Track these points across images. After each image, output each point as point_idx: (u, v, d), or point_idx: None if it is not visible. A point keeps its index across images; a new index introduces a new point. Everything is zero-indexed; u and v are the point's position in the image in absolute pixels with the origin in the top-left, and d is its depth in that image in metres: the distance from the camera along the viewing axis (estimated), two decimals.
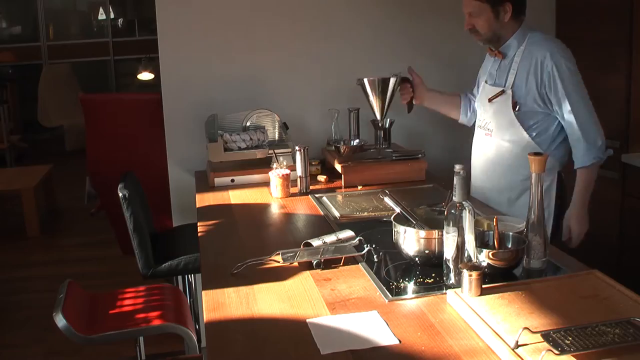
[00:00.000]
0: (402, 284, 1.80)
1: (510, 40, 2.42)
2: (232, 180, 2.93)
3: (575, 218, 2.41)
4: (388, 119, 3.12)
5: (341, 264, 1.94)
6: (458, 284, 1.69)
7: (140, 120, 4.19)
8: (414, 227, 1.91)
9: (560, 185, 2.46)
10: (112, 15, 9.30)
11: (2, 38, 9.15)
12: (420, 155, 2.95)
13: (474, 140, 2.66)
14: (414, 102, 2.82)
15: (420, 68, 3.40)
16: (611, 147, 3.05)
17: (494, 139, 2.49)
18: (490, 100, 2.47)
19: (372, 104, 2.81)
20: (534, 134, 2.40)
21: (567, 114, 2.33)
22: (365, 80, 2.77)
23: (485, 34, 2.41)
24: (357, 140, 3.10)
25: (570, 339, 1.37)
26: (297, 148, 2.75)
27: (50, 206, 6.08)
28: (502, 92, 2.42)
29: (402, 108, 3.29)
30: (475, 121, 2.73)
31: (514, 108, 2.38)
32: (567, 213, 2.43)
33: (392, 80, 2.75)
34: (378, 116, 2.83)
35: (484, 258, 1.77)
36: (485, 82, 2.56)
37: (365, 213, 2.45)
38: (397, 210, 2.02)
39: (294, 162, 2.80)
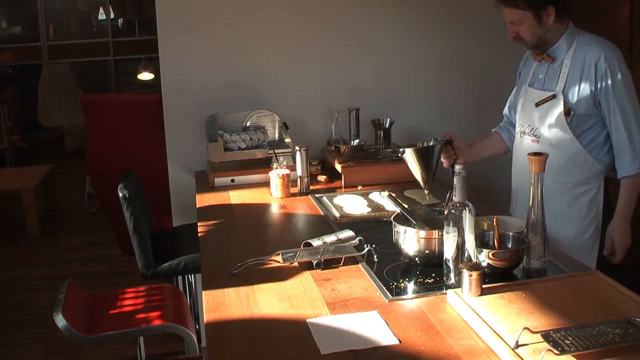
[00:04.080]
0: (402, 284, 1.80)
1: (560, 42, 2.28)
2: (232, 180, 2.93)
3: (619, 231, 2.27)
4: (388, 119, 3.12)
5: (341, 264, 1.94)
6: (458, 284, 1.69)
7: (140, 120, 4.19)
8: (414, 227, 1.91)
9: (605, 195, 2.33)
10: (112, 15, 9.30)
11: (2, 38, 9.15)
12: None
13: (515, 147, 2.50)
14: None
15: (422, 68, 3.41)
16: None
17: (541, 145, 2.31)
18: (537, 104, 2.32)
19: (416, 174, 2.43)
20: (585, 141, 2.27)
21: (615, 120, 2.22)
22: (408, 151, 2.41)
23: (530, 41, 2.28)
24: (357, 140, 3.10)
25: (570, 339, 1.37)
26: (297, 148, 2.75)
27: (50, 206, 6.07)
28: (553, 96, 2.28)
29: (402, 108, 3.30)
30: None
31: (567, 115, 2.24)
32: (610, 226, 2.29)
33: (436, 148, 2.43)
34: (424, 186, 2.44)
35: (484, 258, 1.77)
36: (529, 85, 2.40)
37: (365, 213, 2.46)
38: (397, 210, 2.03)
39: (294, 162, 2.80)
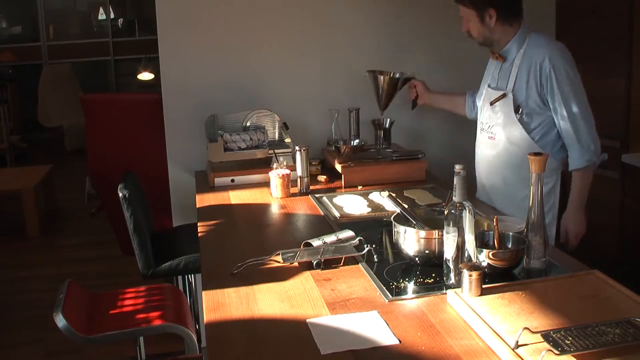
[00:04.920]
0: (402, 284, 1.80)
1: (510, 43, 2.44)
2: (232, 180, 2.93)
3: (572, 220, 2.43)
4: (388, 119, 3.12)
5: (341, 264, 1.94)
6: (458, 284, 1.69)
7: (140, 120, 4.19)
8: (414, 227, 1.91)
9: (562, 188, 2.49)
10: (112, 15, 9.30)
11: (2, 38, 9.15)
12: (420, 155, 2.96)
13: (477, 144, 2.65)
14: (417, 102, 2.99)
15: (422, 68, 3.41)
16: (611, 146, 3.07)
17: (497, 142, 2.49)
18: (492, 103, 2.49)
19: (375, 95, 2.99)
20: (538, 136, 2.41)
21: (562, 117, 2.36)
22: (375, 74, 2.95)
23: (477, 38, 2.47)
24: (357, 140, 3.10)
25: (570, 339, 1.37)
26: (297, 148, 2.75)
27: (50, 206, 6.08)
28: (504, 95, 2.44)
29: (403, 108, 3.29)
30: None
31: (517, 112, 2.40)
32: (564, 216, 2.45)
33: (395, 79, 2.94)
34: (379, 107, 2.99)
35: (484, 258, 1.77)
36: (488, 85, 2.57)
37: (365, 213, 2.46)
38: (397, 210, 2.02)
39: (294, 162, 2.80)
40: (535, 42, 2.41)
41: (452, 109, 2.98)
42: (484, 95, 2.58)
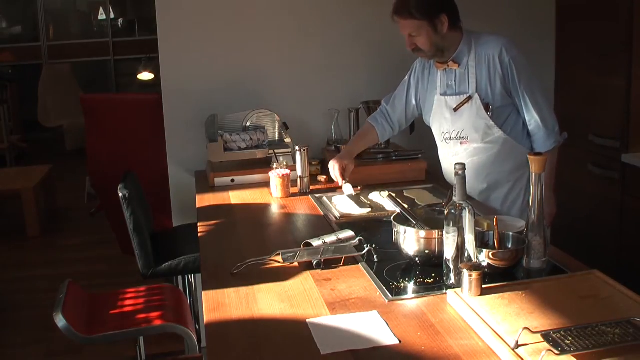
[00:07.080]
0: (402, 284, 1.80)
1: (461, 47, 2.44)
2: (232, 180, 2.93)
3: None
4: None
5: (341, 264, 1.94)
6: (458, 284, 1.69)
7: (140, 120, 4.19)
8: (414, 227, 1.91)
9: None
10: (112, 15, 9.30)
11: (2, 38, 9.15)
12: (420, 155, 2.96)
13: (444, 155, 2.63)
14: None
15: None
16: (611, 146, 3.07)
17: (471, 145, 2.49)
18: (456, 109, 2.48)
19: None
20: (509, 129, 2.46)
21: (526, 104, 2.42)
22: (369, 105, 3.02)
23: (429, 51, 2.42)
24: None
25: (570, 339, 1.37)
26: (297, 148, 2.75)
27: (50, 206, 6.07)
28: (469, 98, 2.44)
29: None
30: (390, 133, 2.80)
31: (487, 110, 2.43)
32: None
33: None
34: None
35: (484, 258, 1.77)
36: (441, 95, 2.54)
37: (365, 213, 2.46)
38: (397, 210, 2.02)
39: (294, 162, 2.80)
40: (482, 40, 2.44)
41: (372, 144, 2.87)
42: (440, 105, 2.55)
